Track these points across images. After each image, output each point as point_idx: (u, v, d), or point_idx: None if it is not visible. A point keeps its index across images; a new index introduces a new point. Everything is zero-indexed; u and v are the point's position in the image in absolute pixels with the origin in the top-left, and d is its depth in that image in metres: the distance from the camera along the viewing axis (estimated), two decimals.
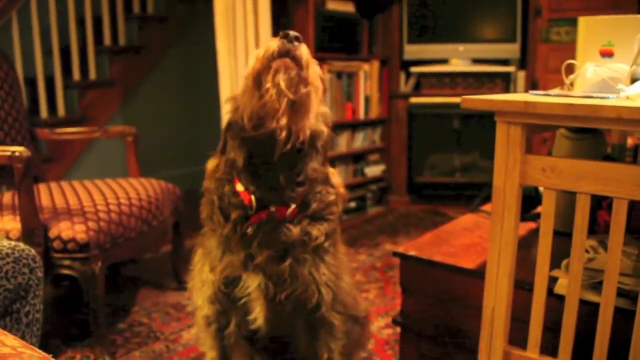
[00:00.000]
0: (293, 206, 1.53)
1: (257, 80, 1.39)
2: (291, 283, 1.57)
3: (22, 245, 1.60)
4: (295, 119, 1.40)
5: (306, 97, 1.40)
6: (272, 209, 1.51)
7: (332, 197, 1.61)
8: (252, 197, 1.50)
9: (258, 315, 1.61)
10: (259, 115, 1.40)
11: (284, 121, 1.37)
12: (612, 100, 1.27)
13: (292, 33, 1.39)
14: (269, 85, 1.36)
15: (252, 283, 1.57)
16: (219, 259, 1.60)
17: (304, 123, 1.42)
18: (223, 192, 1.55)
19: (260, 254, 1.54)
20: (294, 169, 1.51)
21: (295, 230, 1.54)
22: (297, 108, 1.39)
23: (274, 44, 1.39)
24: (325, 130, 1.52)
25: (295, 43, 1.38)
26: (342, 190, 1.65)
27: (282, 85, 1.36)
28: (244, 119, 1.43)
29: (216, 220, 1.57)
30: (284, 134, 1.38)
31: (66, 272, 2.23)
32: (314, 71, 1.43)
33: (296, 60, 1.38)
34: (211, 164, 1.61)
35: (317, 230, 1.57)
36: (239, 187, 1.52)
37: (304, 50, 1.40)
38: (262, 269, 1.55)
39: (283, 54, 1.38)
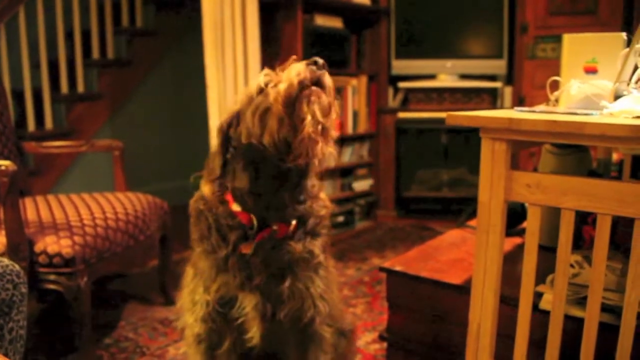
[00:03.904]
0: (294, 222, 1.51)
1: (289, 106, 1.35)
2: (289, 301, 1.56)
3: (5, 260, 1.59)
4: (324, 145, 1.40)
5: (333, 123, 1.41)
6: (274, 227, 1.49)
7: (323, 212, 1.61)
8: (253, 217, 1.48)
9: (254, 334, 1.59)
10: (288, 141, 1.36)
11: (319, 148, 1.37)
12: (595, 117, 1.28)
13: (320, 60, 1.37)
14: (304, 114, 1.34)
15: (248, 303, 1.55)
16: (213, 279, 1.57)
17: (327, 148, 1.42)
18: (218, 213, 1.52)
19: (259, 274, 1.51)
20: (297, 188, 1.51)
21: (297, 247, 1.52)
22: (325, 135, 1.39)
23: (303, 70, 1.36)
24: (334, 151, 1.50)
25: (324, 70, 1.37)
26: (328, 203, 1.66)
27: (318, 114, 1.35)
28: (264, 144, 1.39)
29: (214, 242, 1.53)
30: (318, 160, 1.40)
31: (52, 286, 2.21)
32: (333, 97, 1.43)
33: (325, 89, 1.37)
34: (205, 186, 1.55)
35: (317, 248, 1.56)
36: (235, 207, 1.50)
37: (329, 77, 1.39)
38: (259, 289, 1.54)
39: (314, 82, 1.36)
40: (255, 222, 1.48)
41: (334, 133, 1.45)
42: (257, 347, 1.65)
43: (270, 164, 1.43)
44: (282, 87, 1.35)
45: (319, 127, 1.35)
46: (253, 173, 1.46)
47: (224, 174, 1.50)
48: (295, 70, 1.36)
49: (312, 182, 1.54)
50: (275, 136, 1.37)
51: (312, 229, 1.56)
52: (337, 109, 1.43)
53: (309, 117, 1.34)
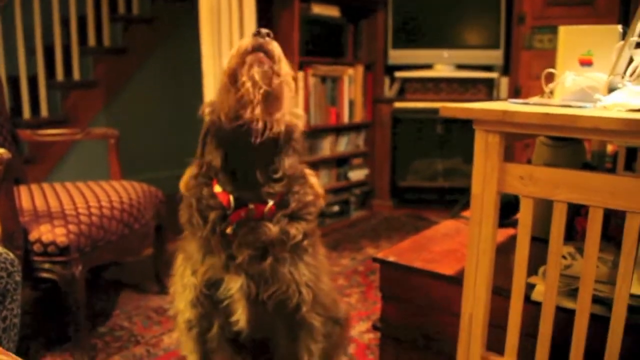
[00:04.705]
0: (271, 203, 1.54)
1: (233, 76, 1.43)
2: (272, 283, 1.58)
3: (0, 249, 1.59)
4: (270, 109, 1.44)
5: (279, 88, 1.45)
6: (251, 206, 1.53)
7: (310, 198, 1.62)
8: (231, 197, 1.52)
9: (240, 317, 1.62)
10: (235, 109, 1.43)
11: (258, 111, 1.41)
12: (589, 110, 1.28)
13: (263, 30, 1.44)
14: (244, 78, 1.41)
15: (234, 284, 1.58)
16: (201, 262, 1.60)
17: (278, 114, 1.46)
18: (201, 195, 1.57)
19: (240, 254, 1.54)
20: (270, 166, 1.53)
21: (274, 228, 1.54)
22: (272, 99, 1.43)
23: (247, 40, 1.44)
24: (300, 124, 1.56)
25: (267, 39, 1.44)
26: (319, 190, 1.66)
27: (257, 77, 1.40)
28: (220, 117, 1.47)
29: (195, 223, 1.58)
30: (260, 124, 1.42)
31: (46, 275, 2.22)
32: (286, 65, 1.48)
33: (268, 54, 1.43)
34: (189, 169, 1.63)
35: (295, 229, 1.58)
36: (217, 189, 1.54)
37: (275, 46, 1.45)
38: (243, 269, 1.56)
39: (256, 48, 1.43)
40: (232, 202, 1.52)
41: (290, 94, 1.50)
42: (245, 332, 1.67)
43: (238, 140, 1.48)
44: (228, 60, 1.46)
45: (259, 89, 1.40)
46: (224, 151, 1.53)
47: (202, 154, 1.59)
48: (239, 43, 1.46)
49: (289, 162, 1.56)
50: (225, 107, 1.45)
51: (293, 212, 1.59)
52: (289, 78, 1.49)
53: (244, 79, 1.40)
